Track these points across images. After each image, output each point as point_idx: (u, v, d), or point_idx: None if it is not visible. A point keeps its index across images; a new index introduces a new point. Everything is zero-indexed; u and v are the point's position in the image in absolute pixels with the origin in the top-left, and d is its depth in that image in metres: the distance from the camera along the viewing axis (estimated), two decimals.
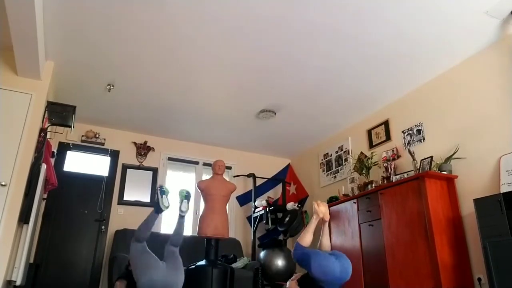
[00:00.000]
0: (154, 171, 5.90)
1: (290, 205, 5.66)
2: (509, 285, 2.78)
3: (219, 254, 4.73)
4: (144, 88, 4.65)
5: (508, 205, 2.98)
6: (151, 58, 4.03)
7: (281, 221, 5.43)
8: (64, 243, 5.01)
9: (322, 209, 3.10)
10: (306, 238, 2.97)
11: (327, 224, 3.16)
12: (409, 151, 4.18)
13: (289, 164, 6.93)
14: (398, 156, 4.60)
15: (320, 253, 2.84)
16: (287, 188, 6.58)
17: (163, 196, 3.37)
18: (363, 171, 4.86)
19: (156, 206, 3.34)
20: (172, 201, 3.52)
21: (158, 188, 3.43)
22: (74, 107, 4.15)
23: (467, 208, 3.65)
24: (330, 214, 4.99)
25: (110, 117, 5.44)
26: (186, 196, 3.58)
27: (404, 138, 4.59)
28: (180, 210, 3.50)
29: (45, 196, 4.57)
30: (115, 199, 5.50)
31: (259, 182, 6.46)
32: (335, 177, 5.72)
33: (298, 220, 5.24)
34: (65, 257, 4.96)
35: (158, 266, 3.06)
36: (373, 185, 4.50)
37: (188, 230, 5.86)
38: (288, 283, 3.02)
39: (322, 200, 3.38)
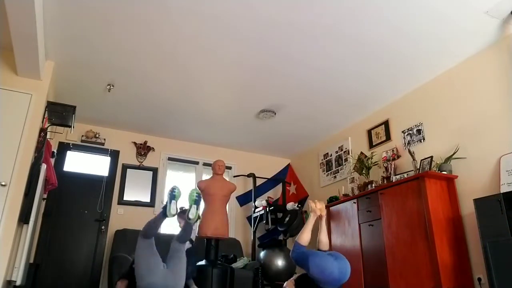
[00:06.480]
0: (154, 171, 5.90)
1: (290, 205, 5.65)
2: (509, 285, 2.78)
3: (219, 254, 4.72)
4: (144, 88, 4.65)
5: (508, 205, 2.98)
6: (151, 58, 4.03)
7: (281, 221, 5.43)
8: (64, 243, 5.01)
9: (318, 206, 3.12)
10: (304, 237, 2.97)
11: (324, 220, 3.15)
12: (409, 151, 4.18)
13: (289, 164, 6.93)
14: (398, 156, 4.60)
15: (319, 253, 2.83)
16: (287, 188, 6.57)
17: (172, 201, 3.03)
18: (363, 171, 4.86)
19: (163, 209, 3.07)
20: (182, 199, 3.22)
21: (170, 191, 3.08)
22: (74, 107, 4.16)
23: (467, 208, 3.65)
24: (330, 214, 5.05)
25: (110, 117, 5.44)
26: (195, 201, 3.13)
27: (404, 138, 4.59)
28: (187, 217, 3.10)
29: (45, 196, 4.56)
30: (115, 199, 5.50)
31: (259, 182, 6.46)
32: (335, 177, 5.71)
33: (298, 220, 5.24)
34: (65, 257, 4.96)
35: (158, 270, 2.96)
36: (373, 185, 4.50)
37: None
38: (285, 283, 3.02)
39: (321, 200, 3.38)
